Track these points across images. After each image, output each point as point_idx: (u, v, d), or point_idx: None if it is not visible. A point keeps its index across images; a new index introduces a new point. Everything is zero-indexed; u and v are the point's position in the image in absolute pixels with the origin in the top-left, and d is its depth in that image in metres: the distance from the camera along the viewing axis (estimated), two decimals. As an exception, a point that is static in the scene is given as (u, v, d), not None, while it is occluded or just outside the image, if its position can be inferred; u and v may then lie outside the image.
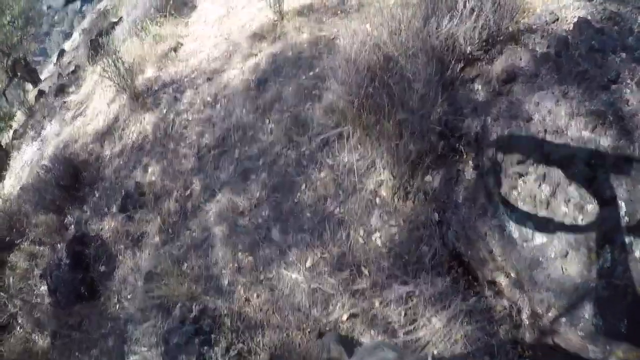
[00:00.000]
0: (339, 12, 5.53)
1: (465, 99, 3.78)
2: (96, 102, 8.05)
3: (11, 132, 11.75)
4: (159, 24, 8.02)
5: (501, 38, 3.85)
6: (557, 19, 3.91)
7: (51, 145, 8.20)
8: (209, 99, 5.64)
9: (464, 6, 3.81)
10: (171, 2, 8.39)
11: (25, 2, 14.90)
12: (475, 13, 3.80)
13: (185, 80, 6.30)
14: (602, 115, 2.87)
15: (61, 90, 10.71)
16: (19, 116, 12.06)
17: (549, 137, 2.96)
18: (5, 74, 14.31)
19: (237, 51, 5.92)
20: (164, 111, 6.10)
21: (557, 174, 2.88)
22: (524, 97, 3.25)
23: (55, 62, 18.08)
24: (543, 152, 2.95)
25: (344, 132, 4.15)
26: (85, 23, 20.22)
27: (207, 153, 5.11)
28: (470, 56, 3.90)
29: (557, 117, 2.99)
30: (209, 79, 5.89)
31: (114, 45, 8.04)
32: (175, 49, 7.16)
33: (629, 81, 3.03)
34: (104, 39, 9.58)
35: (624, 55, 3.22)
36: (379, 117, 3.81)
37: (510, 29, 3.79)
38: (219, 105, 5.46)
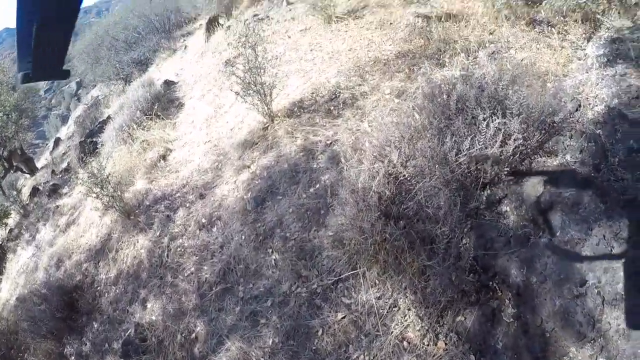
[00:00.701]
0: (331, 108, 4.72)
1: (495, 228, 2.92)
2: (88, 210, 7.26)
3: (6, 230, 11.14)
4: (146, 128, 7.18)
5: (529, 150, 2.99)
6: (580, 106, 3.18)
7: (45, 255, 7.47)
8: (203, 220, 4.77)
9: (487, 126, 2.86)
10: (156, 104, 7.52)
11: (18, 95, 14.45)
12: (501, 132, 2.84)
13: (177, 195, 5.45)
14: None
15: (54, 191, 10.27)
16: (14, 215, 11.48)
17: (607, 309, 2.18)
18: (1, 166, 13.73)
19: (228, 162, 5.15)
20: (158, 233, 5.25)
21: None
22: (572, 247, 2.44)
23: (51, 149, 17.35)
24: (601, 328, 2.16)
25: (359, 272, 3.22)
26: (80, 110, 19.70)
27: (209, 290, 4.23)
28: (496, 178, 3.02)
29: (615, 277, 2.20)
30: (201, 196, 5.04)
31: (101, 157, 7.22)
32: (164, 157, 6.35)
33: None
34: (91, 145, 8.89)
35: None
36: (398, 258, 3.01)
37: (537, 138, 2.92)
38: (214, 228, 4.58)
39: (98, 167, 5.76)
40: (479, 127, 2.97)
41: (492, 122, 2.88)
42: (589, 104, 3.16)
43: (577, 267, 2.34)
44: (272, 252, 3.93)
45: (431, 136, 3.15)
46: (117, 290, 5.32)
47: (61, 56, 1.00)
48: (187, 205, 5.16)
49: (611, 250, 2.27)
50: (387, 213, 3.03)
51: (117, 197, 5.81)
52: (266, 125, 5.02)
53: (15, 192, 11.31)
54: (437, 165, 2.99)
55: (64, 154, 14.91)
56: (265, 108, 4.95)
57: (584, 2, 3.90)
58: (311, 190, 4.04)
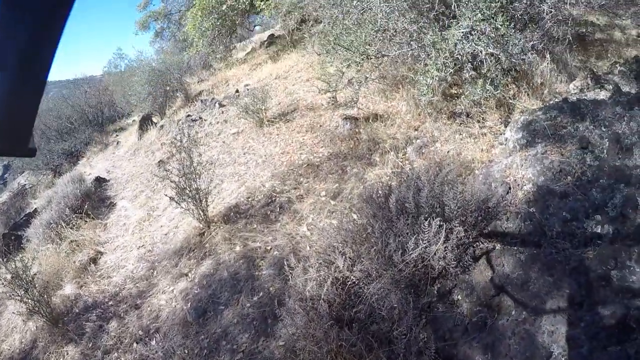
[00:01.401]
0: (268, 212, 4.49)
1: (450, 318, 2.80)
2: (10, 311, 6.07)
3: None
4: (75, 227, 6.38)
5: (470, 240, 3.01)
6: (510, 188, 3.27)
7: None
8: (140, 332, 4.17)
9: (429, 225, 2.80)
10: (87, 203, 6.79)
11: None
12: (443, 228, 2.80)
13: (110, 303, 4.77)
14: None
15: None
16: None
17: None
18: None
19: (164, 269, 4.62)
20: (90, 345, 4.51)
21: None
22: (531, 325, 2.36)
23: None
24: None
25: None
26: (4, 196, 17.72)
27: (152, 418, 3.50)
28: (444, 271, 2.98)
29: (578, 342, 2.15)
30: (136, 306, 4.44)
31: (26, 254, 6.27)
32: (94, 260, 5.65)
33: (628, 262, 2.31)
34: (15, 239, 7.83)
35: (599, 217, 2.66)
36: None
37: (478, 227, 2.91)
38: (153, 342, 4.01)
39: (23, 267, 4.92)
40: (420, 226, 2.92)
41: (433, 220, 2.84)
42: (518, 185, 3.23)
43: (540, 342, 2.26)
44: (220, 368, 3.44)
45: (375, 239, 3.07)
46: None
47: (29, 130, 0.84)
48: (121, 314, 4.51)
49: (569, 318, 2.23)
50: (339, 319, 2.83)
51: (43, 302, 4.96)
52: (202, 231, 4.66)
53: None
54: (384, 267, 2.86)
55: (-16, 243, 13.08)
56: (201, 213, 4.62)
57: (498, 92, 4.07)
58: (255, 298, 3.69)
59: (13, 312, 5.81)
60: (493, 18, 3.79)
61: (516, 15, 4.09)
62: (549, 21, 4.03)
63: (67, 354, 4.64)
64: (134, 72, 13.04)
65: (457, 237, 2.85)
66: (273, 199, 4.63)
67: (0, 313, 6.55)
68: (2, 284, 5.24)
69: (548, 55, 4.28)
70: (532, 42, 3.98)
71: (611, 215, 2.61)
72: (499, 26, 3.76)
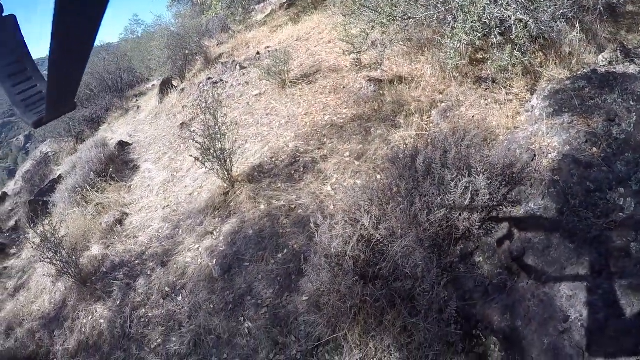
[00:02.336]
0: (292, 172, 4.55)
1: (471, 279, 2.90)
2: (39, 274, 6.45)
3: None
4: (100, 190, 6.60)
5: (494, 204, 3.03)
6: (535, 155, 3.29)
7: None
8: (167, 289, 4.35)
9: (455, 186, 2.82)
10: (111, 166, 6.97)
11: None
12: (469, 190, 2.82)
13: (137, 262, 4.97)
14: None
15: (2, 250, 9.10)
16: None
17: (593, 338, 2.19)
18: (-58, 215, 12.30)
19: (189, 228, 4.74)
20: (118, 302, 4.74)
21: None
22: (550, 289, 2.43)
23: None
24: (591, 357, 2.15)
25: (339, 335, 2.94)
26: (28, 165, 18.32)
27: (180, 364, 3.69)
28: (467, 232, 3.01)
29: (595, 308, 2.21)
30: (163, 263, 4.60)
31: (53, 218, 6.52)
32: (120, 221, 5.82)
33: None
34: (42, 205, 8.15)
35: (622, 190, 2.66)
36: (379, 318, 2.84)
37: (502, 191, 2.92)
38: (180, 297, 4.17)
39: (51, 230, 5.15)
40: (447, 187, 2.94)
41: (460, 181, 2.87)
42: (543, 153, 3.24)
43: (558, 306, 2.33)
44: (245, 320, 3.62)
45: (400, 198, 3.12)
46: (78, 366, 4.69)
47: (75, 89, 0.89)
48: (148, 273, 4.70)
49: (587, 285, 2.28)
50: (363, 275, 2.91)
51: (71, 263, 5.19)
52: (227, 191, 4.75)
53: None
54: (409, 226, 2.92)
55: (11, 210, 13.61)
56: (225, 173, 4.70)
57: (525, 59, 4.01)
58: (279, 255, 3.80)
59: (43, 275, 6.11)
60: None
61: None
62: None
63: (96, 311, 4.88)
64: (152, 37, 13.05)
65: (482, 199, 2.88)
66: (297, 159, 4.68)
67: (30, 276, 6.90)
68: (32, 247, 5.50)
69: (578, 25, 4.19)
70: (562, 10, 3.85)
71: (634, 189, 2.61)
72: None
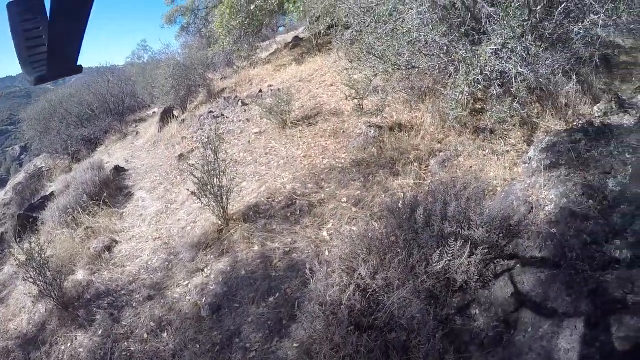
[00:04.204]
0: (288, 214, 4.49)
1: (467, 331, 2.83)
2: (20, 292, 6.15)
3: None
4: (91, 214, 6.45)
5: (492, 256, 3.05)
6: (532, 208, 3.28)
7: None
8: (152, 324, 4.17)
9: (455, 239, 2.81)
10: (105, 191, 6.86)
11: None
12: (468, 244, 2.81)
13: (123, 293, 4.79)
14: None
15: None
16: None
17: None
18: None
19: (180, 263, 4.62)
20: (100, 332, 4.52)
21: None
22: (549, 342, 2.38)
23: None
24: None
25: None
26: (20, 177, 18.01)
27: (160, 407, 3.52)
28: (464, 284, 3.02)
29: None
30: (150, 297, 4.45)
31: (40, 236, 6.35)
32: (109, 248, 5.68)
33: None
34: (31, 221, 7.93)
35: (618, 242, 2.66)
36: None
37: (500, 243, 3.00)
38: (165, 334, 4.00)
39: (38, 249, 4.97)
40: (446, 240, 2.96)
41: (459, 234, 2.86)
42: (540, 205, 3.24)
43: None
44: (232, 364, 3.45)
45: (399, 249, 3.09)
46: (51, 396, 4.44)
47: (77, 49, 0.90)
48: (134, 305, 4.54)
49: (585, 339, 2.25)
50: (358, 325, 2.85)
51: (55, 286, 4.99)
52: (221, 228, 4.67)
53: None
54: (406, 277, 2.88)
55: (-4, 222, 13.25)
56: (221, 210, 4.65)
57: (524, 111, 4.07)
58: (271, 299, 3.70)
59: (24, 293, 5.86)
60: (523, 36, 3.79)
61: (545, 35, 4.08)
62: (577, 42, 4.01)
63: (76, 339, 4.66)
64: (158, 64, 13.21)
65: (481, 252, 2.87)
66: (294, 201, 4.65)
67: (10, 292, 6.62)
68: (16, 264, 5.29)
69: (574, 77, 4.28)
70: (559, 64, 3.97)
71: (630, 241, 2.62)
72: (530, 45, 3.76)
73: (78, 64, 0.99)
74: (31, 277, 4.89)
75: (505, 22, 3.82)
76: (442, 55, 4.55)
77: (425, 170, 4.54)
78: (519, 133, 4.39)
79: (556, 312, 2.47)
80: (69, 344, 4.70)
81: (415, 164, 4.54)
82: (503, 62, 3.90)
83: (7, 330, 5.57)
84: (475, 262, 2.87)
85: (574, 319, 2.36)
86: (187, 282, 4.35)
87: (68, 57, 0.93)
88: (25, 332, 5.29)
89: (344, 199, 4.44)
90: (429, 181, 4.26)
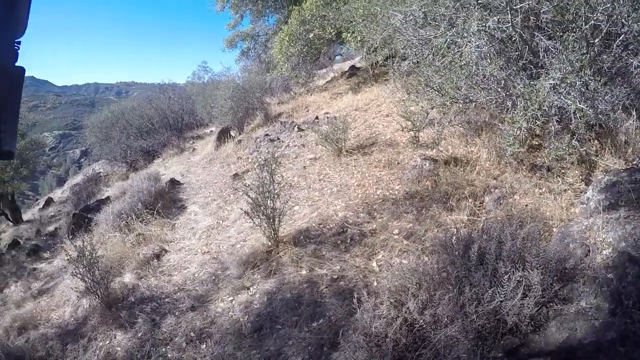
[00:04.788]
0: (338, 242, 4.51)
1: None
2: (67, 285, 6.52)
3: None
4: (144, 222, 6.73)
5: (545, 299, 2.92)
6: (589, 251, 3.11)
7: (9, 315, 6.44)
8: (192, 334, 4.26)
9: (509, 279, 2.73)
10: (160, 201, 7.17)
11: (25, 143, 13.88)
12: (522, 285, 2.80)
13: (167, 300, 4.93)
14: None
15: (35, 252, 9.50)
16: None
17: None
18: (-13, 206, 12.75)
19: (227, 278, 4.71)
20: (139, 335, 4.65)
21: None
22: None
23: (41, 207, 16.41)
24: None
25: None
26: (78, 178, 19.13)
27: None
28: (515, 327, 2.90)
29: None
30: (193, 308, 4.55)
31: (93, 236, 6.67)
32: (158, 256, 5.89)
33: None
34: (86, 221, 8.35)
35: None
36: None
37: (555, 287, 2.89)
38: (204, 345, 4.06)
39: (90, 247, 5.24)
40: (500, 279, 2.88)
41: (513, 275, 2.78)
42: (597, 249, 3.08)
43: None
44: (270, 387, 3.46)
45: (450, 286, 3.05)
46: (84, 390, 4.57)
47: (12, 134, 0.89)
48: (177, 313, 4.65)
49: None
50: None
51: (101, 284, 5.23)
52: (270, 249, 4.75)
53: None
54: (455, 315, 2.81)
55: (52, 216, 14.08)
56: (272, 232, 4.74)
57: (583, 148, 3.94)
58: (314, 324, 3.70)
59: (70, 287, 6.13)
60: (582, 70, 3.70)
61: (604, 68, 3.97)
62: (637, 75, 3.87)
63: (115, 337, 4.81)
64: (217, 85, 13.84)
65: (534, 295, 2.78)
66: (345, 229, 4.67)
67: (56, 284, 6.94)
68: (67, 258, 5.58)
69: (634, 112, 4.10)
70: (619, 99, 3.83)
71: None
72: (589, 80, 3.66)
73: (5, 148, 0.97)
74: (80, 273, 5.17)
75: (563, 56, 3.76)
76: (499, 90, 4.51)
77: (479, 206, 4.46)
78: (576, 171, 4.25)
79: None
80: (107, 342, 4.86)
81: (470, 200, 4.47)
82: (562, 97, 3.82)
83: (49, 319, 5.85)
84: (528, 304, 2.78)
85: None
86: (231, 298, 4.43)
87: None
88: (66, 323, 5.54)
89: (396, 231, 4.42)
90: (484, 218, 4.18)
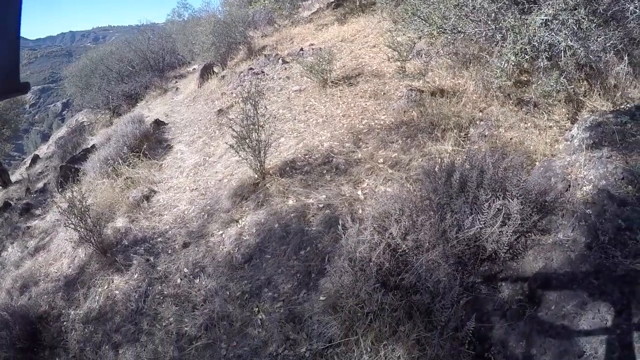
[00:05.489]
0: (324, 172, 4.57)
1: (491, 302, 2.87)
2: (61, 238, 6.60)
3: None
4: (131, 165, 6.76)
5: (524, 229, 3.04)
6: (570, 186, 3.25)
7: (10, 276, 6.60)
8: (186, 270, 4.41)
9: (489, 207, 2.81)
10: (145, 143, 7.15)
11: (4, 104, 13.68)
12: (502, 213, 2.87)
13: (159, 240, 5.06)
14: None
15: (27, 210, 9.46)
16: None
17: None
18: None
19: (216, 212, 4.81)
20: (135, 276, 4.81)
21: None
22: (570, 322, 2.43)
23: (28, 165, 16.38)
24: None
25: (351, 339, 2.96)
26: (62, 131, 18.93)
27: (189, 343, 3.84)
28: (494, 254, 3.02)
29: (610, 348, 2.23)
30: (185, 245, 4.68)
31: (81, 186, 6.71)
32: (147, 198, 5.96)
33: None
34: (73, 171, 8.36)
35: None
36: (394, 327, 2.84)
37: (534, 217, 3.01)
38: (197, 280, 4.22)
39: (79, 197, 5.30)
40: (480, 207, 2.97)
41: (494, 203, 2.86)
42: (578, 185, 3.19)
43: (575, 340, 2.33)
44: (259, 311, 3.65)
45: (432, 212, 3.13)
46: (86, 330, 4.79)
47: (16, 68, 0.88)
48: (169, 251, 4.79)
49: (606, 324, 2.28)
50: (385, 283, 2.95)
51: (95, 231, 5.33)
52: (257, 182, 4.80)
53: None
54: (436, 241, 2.93)
55: (40, 173, 14.04)
56: (258, 164, 4.75)
57: (571, 86, 3.95)
58: (302, 252, 3.84)
59: (64, 239, 6.26)
60: (576, 9, 3.62)
61: (599, 10, 3.88)
62: (632, 21, 3.79)
63: (113, 281, 4.97)
64: (198, 22, 13.32)
65: (513, 223, 2.87)
66: (330, 159, 4.70)
67: (51, 239, 7.08)
68: (58, 211, 5.64)
69: (626, 57, 4.09)
70: (612, 41, 3.78)
71: None
72: (582, 19, 3.59)
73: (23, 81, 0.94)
74: (72, 224, 5.21)
75: (558, -9, 3.67)
76: (489, 22, 4.41)
77: (464, 137, 4.49)
78: (563, 109, 4.28)
79: (581, 294, 2.48)
80: (105, 286, 5.02)
81: (455, 131, 4.50)
82: (553, 33, 3.76)
83: (48, 273, 5.98)
84: (507, 232, 2.87)
85: (598, 302, 2.37)
86: (221, 232, 4.54)
87: (7, 75, 0.89)
88: (65, 275, 5.66)
89: (381, 160, 4.46)
90: (467, 148, 4.23)
